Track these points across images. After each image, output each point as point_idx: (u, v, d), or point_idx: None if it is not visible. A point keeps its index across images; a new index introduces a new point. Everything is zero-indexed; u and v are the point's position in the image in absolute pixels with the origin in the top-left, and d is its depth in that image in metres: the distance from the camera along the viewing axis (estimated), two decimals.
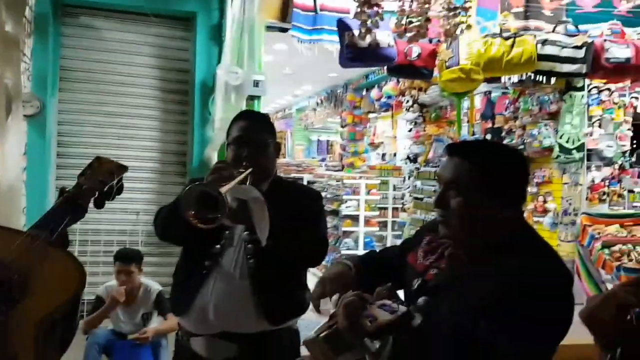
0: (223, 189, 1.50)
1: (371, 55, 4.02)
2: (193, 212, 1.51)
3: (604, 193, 5.06)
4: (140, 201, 4.06)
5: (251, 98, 3.85)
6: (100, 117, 4.03)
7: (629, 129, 5.24)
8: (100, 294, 3.39)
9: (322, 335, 1.26)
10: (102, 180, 1.45)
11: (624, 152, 5.20)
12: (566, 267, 1.27)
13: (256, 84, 3.75)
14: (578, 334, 0.98)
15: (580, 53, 4.22)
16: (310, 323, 1.52)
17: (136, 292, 3.42)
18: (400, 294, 1.35)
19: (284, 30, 4.11)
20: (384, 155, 10.02)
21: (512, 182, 1.29)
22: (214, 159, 3.79)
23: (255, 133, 1.86)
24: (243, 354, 1.79)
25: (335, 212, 7.09)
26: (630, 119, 5.28)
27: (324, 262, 2.16)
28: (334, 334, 1.24)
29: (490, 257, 1.23)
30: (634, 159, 5.89)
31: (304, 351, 1.42)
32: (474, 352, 1.13)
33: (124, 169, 1.52)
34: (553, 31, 4.31)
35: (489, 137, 6.19)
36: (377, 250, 1.81)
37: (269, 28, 3.99)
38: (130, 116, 4.07)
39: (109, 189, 1.47)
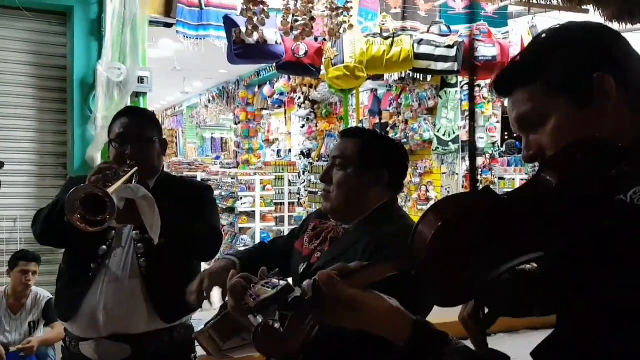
0: (110, 190, 1.46)
1: (259, 52, 4.07)
2: (79, 216, 1.44)
3: (477, 180, 5.54)
4: (18, 207, 3.81)
5: (136, 95, 3.74)
6: None
7: (497, 122, 5.77)
8: None
9: (209, 324, 1.30)
10: None
11: (493, 143, 5.71)
12: None
13: (141, 80, 3.64)
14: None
15: (452, 52, 4.57)
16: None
17: (25, 300, 3.24)
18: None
19: (169, 25, 4.04)
20: (279, 151, 10.12)
21: (391, 166, 1.42)
22: (98, 159, 3.64)
23: (139, 129, 1.81)
24: (136, 354, 1.76)
25: (231, 209, 7.05)
26: (498, 113, 5.80)
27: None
28: (220, 321, 1.28)
29: (361, 231, 1.35)
30: (503, 149, 6.51)
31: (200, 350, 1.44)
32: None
33: (1, 165, 1.45)
34: (428, 31, 4.63)
35: None
36: (266, 242, 1.87)
37: (153, 23, 3.90)
38: (3, 116, 3.80)
39: None
